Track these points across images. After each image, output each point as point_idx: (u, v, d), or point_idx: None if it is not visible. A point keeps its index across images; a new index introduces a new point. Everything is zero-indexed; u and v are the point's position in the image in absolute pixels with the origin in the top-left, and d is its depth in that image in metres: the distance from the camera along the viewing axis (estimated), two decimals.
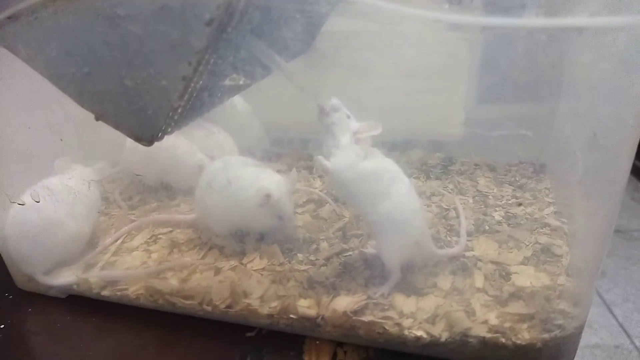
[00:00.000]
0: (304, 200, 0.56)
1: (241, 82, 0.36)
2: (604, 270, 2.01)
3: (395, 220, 0.40)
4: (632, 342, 1.63)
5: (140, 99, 0.33)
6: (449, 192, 0.55)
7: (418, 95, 0.63)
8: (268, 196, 0.45)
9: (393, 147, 0.67)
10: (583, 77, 0.39)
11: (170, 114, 0.33)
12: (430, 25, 0.43)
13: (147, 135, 0.34)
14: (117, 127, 0.35)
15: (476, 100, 0.61)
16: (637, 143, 0.30)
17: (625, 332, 1.68)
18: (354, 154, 0.39)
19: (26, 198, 0.46)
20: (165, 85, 0.32)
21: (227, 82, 0.35)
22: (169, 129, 0.35)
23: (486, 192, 0.55)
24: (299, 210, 0.54)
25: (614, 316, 1.77)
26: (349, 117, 0.40)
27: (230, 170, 0.48)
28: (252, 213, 0.47)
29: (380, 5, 0.27)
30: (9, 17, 0.33)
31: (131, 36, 0.31)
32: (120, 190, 0.61)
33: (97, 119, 0.35)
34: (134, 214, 0.56)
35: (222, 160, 0.50)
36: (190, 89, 0.32)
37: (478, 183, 0.57)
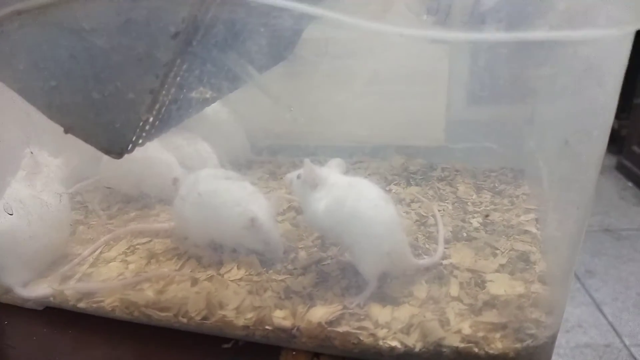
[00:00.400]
0: (285, 207, 0.56)
1: (208, 96, 0.36)
2: (594, 270, 2.03)
3: (368, 235, 0.40)
4: (622, 341, 1.64)
5: (108, 112, 0.33)
6: (429, 199, 0.55)
7: (399, 102, 0.64)
8: (253, 220, 0.44)
9: (375, 152, 0.67)
10: (548, 88, 0.39)
11: (140, 126, 0.33)
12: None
13: (116, 148, 0.34)
14: (86, 140, 0.35)
15: (456, 107, 0.62)
16: (602, 154, 0.30)
17: (615, 330, 1.69)
18: (316, 199, 0.42)
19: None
20: (132, 98, 0.32)
21: (194, 94, 0.35)
22: (139, 141, 0.35)
23: (465, 199, 0.55)
24: (279, 218, 0.54)
25: (604, 315, 1.78)
26: (299, 176, 0.43)
27: (205, 184, 0.48)
28: (235, 234, 0.46)
29: (347, 21, 0.27)
30: None
31: (97, 50, 0.31)
32: (99, 200, 0.61)
33: (66, 131, 0.35)
34: (112, 224, 0.56)
35: (197, 173, 0.50)
36: (158, 102, 0.32)
37: (458, 189, 0.57)
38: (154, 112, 0.33)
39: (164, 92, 0.32)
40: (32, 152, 0.50)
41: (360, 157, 0.66)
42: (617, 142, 2.89)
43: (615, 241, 2.18)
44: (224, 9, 0.29)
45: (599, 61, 0.26)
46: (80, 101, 0.33)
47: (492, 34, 0.24)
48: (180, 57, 0.30)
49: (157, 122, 0.34)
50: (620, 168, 2.70)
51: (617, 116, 2.89)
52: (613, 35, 0.24)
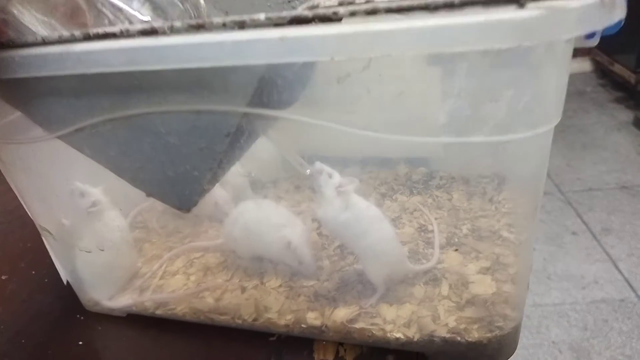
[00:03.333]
0: (309, 219, 0.68)
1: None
2: (610, 227, 2.12)
3: (375, 250, 0.52)
4: (638, 295, 1.74)
5: (179, 184, 0.45)
6: (429, 207, 0.67)
7: (401, 118, 0.74)
8: (289, 243, 0.56)
9: (383, 163, 0.78)
10: None
11: (202, 192, 0.46)
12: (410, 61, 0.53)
13: (185, 207, 0.47)
14: (162, 201, 0.47)
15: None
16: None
17: (630, 286, 1.80)
18: (337, 206, 0.51)
19: (89, 241, 0.59)
20: (197, 175, 0.44)
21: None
22: (199, 200, 0.47)
23: (458, 206, 0.66)
24: None
25: (619, 271, 1.88)
26: (330, 176, 0.51)
27: (250, 214, 0.60)
28: (275, 254, 0.58)
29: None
30: (75, 130, 0.45)
31: (171, 144, 0.43)
32: (157, 218, 0.74)
33: (147, 195, 0.47)
34: (171, 241, 0.69)
35: (243, 203, 0.61)
36: (216, 176, 0.44)
37: (453, 197, 0.68)
38: (212, 183, 0.45)
39: (219, 170, 0.44)
40: (82, 192, 0.58)
41: (370, 168, 0.77)
42: (634, 96, 2.89)
43: (631, 198, 2.25)
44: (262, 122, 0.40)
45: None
46: (159, 177, 0.45)
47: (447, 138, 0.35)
48: (231, 148, 0.42)
49: (211, 186, 0.46)
50: (638, 123, 2.68)
51: (634, 70, 2.88)
52: (529, 136, 0.35)
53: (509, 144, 0.36)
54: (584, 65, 3.26)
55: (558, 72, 0.34)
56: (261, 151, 0.78)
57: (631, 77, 2.80)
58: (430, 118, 0.36)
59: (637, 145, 2.58)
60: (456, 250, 0.56)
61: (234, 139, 0.41)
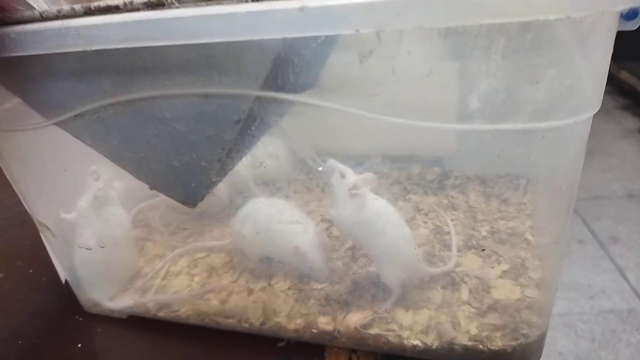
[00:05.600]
0: (318, 220, 0.65)
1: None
2: (617, 236, 2.08)
3: (390, 251, 0.49)
4: None
5: (185, 175, 0.42)
6: (444, 208, 0.64)
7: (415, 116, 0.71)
8: (297, 248, 0.53)
9: (395, 161, 0.75)
10: None
11: (209, 185, 0.43)
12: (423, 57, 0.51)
13: (191, 201, 0.44)
14: (167, 194, 0.44)
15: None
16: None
17: (639, 296, 1.75)
18: (350, 208, 0.48)
19: (89, 237, 0.56)
20: (204, 165, 0.41)
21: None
22: (206, 193, 0.44)
23: (475, 207, 0.63)
24: None
25: (627, 281, 1.84)
26: (343, 175, 0.48)
27: (260, 213, 0.56)
28: (285, 257, 0.55)
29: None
30: (75, 115, 0.42)
31: (177, 131, 0.40)
32: (159, 217, 0.71)
33: (150, 188, 0.44)
34: (173, 240, 0.66)
35: (253, 201, 0.58)
36: (224, 168, 0.41)
37: (469, 198, 0.65)
38: (220, 175, 0.42)
39: (227, 160, 0.41)
40: (97, 176, 0.57)
41: (381, 166, 0.74)
42: None
43: (638, 207, 2.21)
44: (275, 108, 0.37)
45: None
46: (163, 167, 0.42)
47: (478, 125, 0.32)
48: (241, 136, 0.39)
49: (219, 179, 0.43)
50: None
51: None
52: (570, 123, 0.32)
53: (547, 132, 0.32)
54: None
55: (602, 53, 0.31)
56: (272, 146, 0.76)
57: (637, 85, 2.78)
58: (461, 103, 0.33)
59: None
60: (483, 250, 0.52)
61: (244, 126, 0.38)
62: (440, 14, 0.26)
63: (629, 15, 0.34)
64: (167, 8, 0.32)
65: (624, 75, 2.88)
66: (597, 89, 0.33)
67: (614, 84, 3.07)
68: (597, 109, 0.34)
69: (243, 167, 0.64)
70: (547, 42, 0.28)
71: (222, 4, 0.31)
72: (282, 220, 0.54)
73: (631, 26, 0.37)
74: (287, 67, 0.34)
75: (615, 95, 3.02)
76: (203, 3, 0.31)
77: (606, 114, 2.85)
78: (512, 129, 0.32)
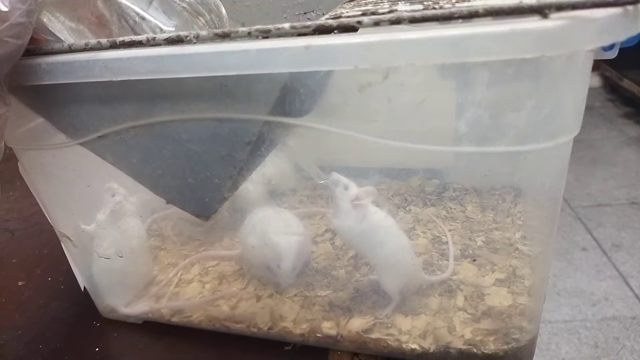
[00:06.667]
0: (323, 230, 0.68)
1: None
2: (620, 243, 2.10)
3: (390, 261, 0.52)
4: None
5: (199, 191, 0.46)
6: (442, 219, 0.67)
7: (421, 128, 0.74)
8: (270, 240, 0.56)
9: (396, 174, 0.78)
10: None
11: (222, 200, 0.46)
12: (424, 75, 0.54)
13: (205, 214, 0.47)
14: (182, 208, 0.48)
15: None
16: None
17: None
18: (353, 219, 0.51)
19: (108, 247, 0.59)
20: (217, 182, 0.44)
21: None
22: (219, 207, 0.48)
23: (472, 218, 0.66)
24: (319, 239, 0.66)
25: (630, 288, 1.86)
26: (346, 187, 0.51)
27: (262, 224, 0.59)
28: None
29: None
30: (99, 137, 0.46)
31: (192, 152, 0.43)
32: (172, 226, 0.74)
33: (167, 202, 0.48)
34: (185, 249, 0.69)
35: (259, 211, 0.61)
36: (236, 184, 0.45)
37: (466, 209, 0.69)
38: (232, 190, 0.46)
39: (239, 178, 0.44)
40: (114, 192, 0.61)
41: (381, 179, 0.77)
42: None
43: None
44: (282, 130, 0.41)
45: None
46: (179, 184, 0.46)
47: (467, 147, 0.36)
48: (252, 156, 0.43)
49: (231, 194, 0.47)
50: None
51: None
52: (550, 146, 0.35)
53: (529, 154, 0.36)
54: (593, 80, 3.25)
55: (579, 82, 0.34)
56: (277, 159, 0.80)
57: (639, 91, 2.80)
58: (450, 127, 0.36)
59: None
60: (474, 260, 0.56)
61: (254, 147, 0.42)
62: (430, 53, 0.29)
63: (607, 47, 0.38)
64: (186, 44, 0.35)
65: (626, 83, 2.91)
66: (576, 114, 0.36)
67: (616, 93, 3.10)
68: (577, 131, 0.37)
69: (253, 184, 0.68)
70: (526, 76, 0.32)
71: (235, 40, 0.34)
72: (286, 230, 0.58)
73: (610, 55, 0.40)
74: (293, 95, 0.38)
75: (618, 103, 3.05)
76: (218, 40, 0.35)
77: (609, 122, 2.87)
78: (497, 152, 0.35)
